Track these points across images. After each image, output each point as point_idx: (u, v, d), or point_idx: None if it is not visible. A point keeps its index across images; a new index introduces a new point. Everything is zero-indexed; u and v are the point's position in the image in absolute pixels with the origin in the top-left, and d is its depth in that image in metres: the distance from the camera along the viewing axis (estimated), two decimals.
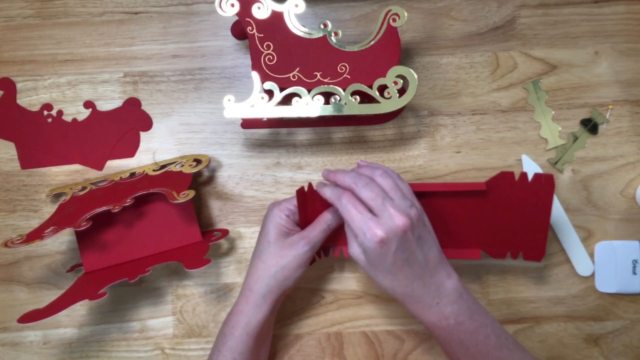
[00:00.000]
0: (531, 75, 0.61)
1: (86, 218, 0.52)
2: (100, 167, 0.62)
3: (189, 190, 0.51)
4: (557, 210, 0.59)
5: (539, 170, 0.60)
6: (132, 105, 0.62)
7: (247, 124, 0.60)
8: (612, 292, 0.59)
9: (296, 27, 0.53)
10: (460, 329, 0.48)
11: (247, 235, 0.61)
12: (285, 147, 0.61)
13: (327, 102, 0.54)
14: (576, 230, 0.60)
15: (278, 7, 0.52)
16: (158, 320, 0.60)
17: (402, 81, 0.53)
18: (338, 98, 0.54)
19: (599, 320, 0.60)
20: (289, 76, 0.54)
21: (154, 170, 0.58)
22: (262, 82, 0.54)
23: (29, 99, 0.62)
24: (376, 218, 0.46)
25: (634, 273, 0.58)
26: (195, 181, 0.61)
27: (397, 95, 0.53)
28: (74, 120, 0.61)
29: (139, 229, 0.57)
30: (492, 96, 0.61)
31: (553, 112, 0.60)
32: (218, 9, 0.52)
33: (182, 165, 0.57)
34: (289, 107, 0.54)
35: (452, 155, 0.61)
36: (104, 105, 0.62)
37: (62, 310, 0.49)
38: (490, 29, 0.61)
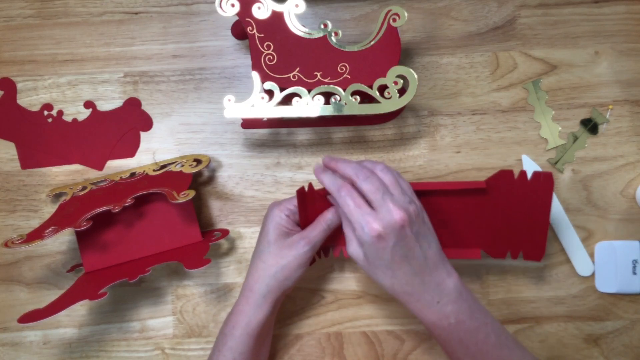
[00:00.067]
0: (531, 75, 0.61)
1: (86, 218, 0.52)
2: (100, 167, 0.62)
3: (189, 190, 0.51)
4: (557, 210, 0.59)
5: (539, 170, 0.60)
6: (132, 105, 0.62)
7: (247, 124, 0.60)
8: (612, 292, 0.59)
9: (296, 27, 0.53)
10: (461, 328, 0.47)
11: (247, 235, 0.61)
12: (285, 147, 0.61)
13: (327, 102, 0.54)
14: (576, 230, 0.60)
15: (278, 7, 0.52)
16: (158, 320, 0.60)
17: (402, 81, 0.53)
18: (338, 98, 0.54)
19: (599, 320, 0.60)
20: (289, 76, 0.54)
21: (154, 170, 0.58)
22: (262, 82, 0.54)
23: (29, 99, 0.62)
24: (374, 212, 0.46)
25: (634, 273, 0.58)
26: (195, 181, 0.61)
27: (397, 95, 0.53)
28: (74, 120, 0.61)
29: (139, 229, 0.57)
30: (492, 96, 0.61)
31: (553, 112, 0.60)
32: (218, 9, 0.52)
33: (182, 165, 0.57)
34: (289, 107, 0.54)
35: (452, 155, 0.61)
36: (104, 105, 0.62)
37: (62, 310, 0.49)
38: (490, 29, 0.61)
